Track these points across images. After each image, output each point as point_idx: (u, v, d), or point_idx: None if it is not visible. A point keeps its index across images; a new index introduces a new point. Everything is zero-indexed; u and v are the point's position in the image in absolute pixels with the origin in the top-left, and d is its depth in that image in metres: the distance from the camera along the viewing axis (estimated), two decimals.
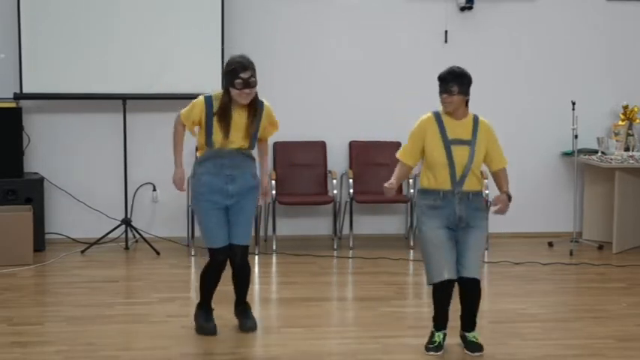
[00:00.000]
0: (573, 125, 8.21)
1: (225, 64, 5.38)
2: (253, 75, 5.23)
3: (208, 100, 5.37)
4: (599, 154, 8.46)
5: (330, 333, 5.75)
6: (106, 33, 8.08)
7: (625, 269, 7.52)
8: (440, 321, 5.35)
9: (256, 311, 6.00)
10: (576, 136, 8.23)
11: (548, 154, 8.86)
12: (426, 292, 6.87)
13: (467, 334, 5.37)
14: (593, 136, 8.61)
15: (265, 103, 5.47)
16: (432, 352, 5.30)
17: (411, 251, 8.14)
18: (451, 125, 5.22)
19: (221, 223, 5.48)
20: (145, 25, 8.13)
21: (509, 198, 5.35)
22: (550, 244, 8.42)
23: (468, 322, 5.36)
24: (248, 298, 5.80)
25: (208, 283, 5.66)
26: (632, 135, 8.64)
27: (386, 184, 5.33)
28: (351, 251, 8.13)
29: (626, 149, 8.56)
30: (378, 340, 5.53)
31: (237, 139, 5.37)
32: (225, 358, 5.23)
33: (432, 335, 5.35)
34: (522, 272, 7.43)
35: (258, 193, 5.60)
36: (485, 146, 5.26)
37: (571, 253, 8.04)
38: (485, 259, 7.82)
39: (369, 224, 8.72)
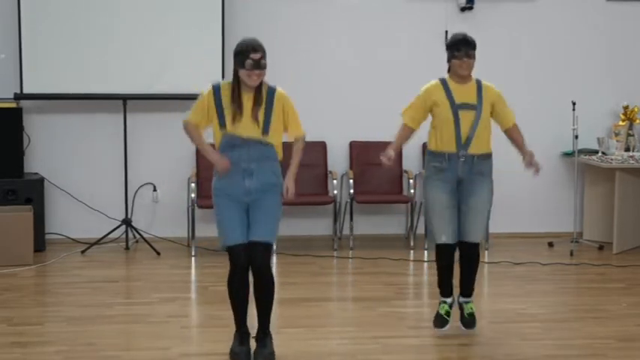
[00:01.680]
0: (574, 125, 8.22)
1: (235, 46, 5.13)
2: (264, 57, 5.05)
3: (216, 86, 5.15)
4: (600, 154, 8.46)
5: (330, 333, 5.75)
6: (106, 33, 8.09)
7: (625, 269, 7.52)
8: (443, 286, 5.65)
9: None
10: (576, 137, 8.23)
11: (549, 154, 8.85)
12: (426, 292, 6.90)
13: (464, 304, 5.66)
14: (593, 136, 8.61)
15: (279, 89, 5.19)
16: (437, 329, 5.62)
17: (411, 251, 8.14)
18: (458, 90, 5.47)
19: (237, 218, 5.07)
20: (145, 25, 8.14)
21: (533, 155, 5.61)
22: (550, 245, 8.43)
23: (466, 286, 5.65)
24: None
25: (232, 295, 5.16)
26: (633, 135, 8.65)
27: (383, 157, 5.55)
28: (351, 251, 8.13)
29: (627, 149, 8.56)
30: (378, 341, 5.53)
31: (249, 125, 5.06)
32: (225, 358, 5.22)
33: (439, 306, 5.66)
34: (522, 272, 7.43)
35: (280, 192, 5.17)
36: (491, 106, 5.50)
37: (571, 254, 8.04)
38: (486, 259, 7.82)
39: (369, 224, 8.72)
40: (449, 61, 5.50)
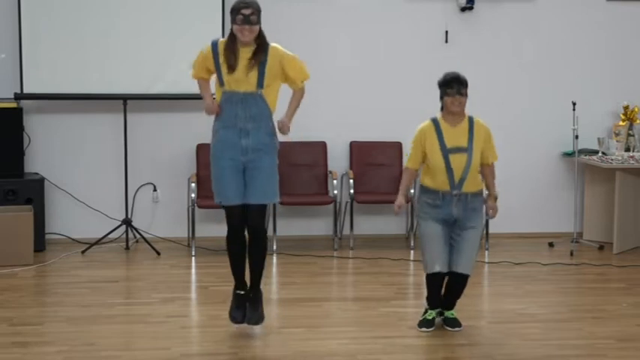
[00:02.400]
0: (574, 125, 8.22)
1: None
2: (254, 13, 5.28)
3: (214, 43, 5.45)
4: (600, 154, 8.46)
5: (331, 333, 5.75)
6: (106, 33, 8.09)
7: (625, 270, 7.52)
8: (432, 302, 5.80)
9: None
10: (577, 137, 8.23)
11: (549, 154, 8.86)
12: (426, 292, 6.89)
13: (445, 311, 5.82)
14: (593, 136, 8.61)
15: (273, 44, 5.42)
16: (423, 329, 5.74)
17: (412, 252, 8.14)
18: (449, 133, 5.57)
19: (233, 178, 5.37)
20: (145, 25, 8.14)
21: (495, 199, 5.77)
22: (550, 245, 8.42)
23: (449, 304, 5.81)
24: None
25: (230, 255, 5.55)
26: (633, 135, 8.65)
27: (396, 207, 5.75)
28: (351, 251, 8.13)
29: (627, 149, 8.56)
30: (378, 341, 5.54)
31: (245, 78, 5.31)
32: (225, 358, 5.22)
33: (425, 312, 5.82)
34: (522, 272, 7.43)
35: (276, 152, 5.47)
36: (482, 148, 5.60)
37: (571, 254, 8.04)
38: (486, 260, 7.82)
39: (369, 224, 8.72)
40: (441, 98, 5.59)
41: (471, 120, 5.62)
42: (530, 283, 7.10)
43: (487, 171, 5.74)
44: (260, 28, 5.37)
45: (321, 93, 8.60)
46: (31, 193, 7.91)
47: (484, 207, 5.75)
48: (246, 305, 5.61)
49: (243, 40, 5.30)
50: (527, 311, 6.25)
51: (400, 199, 5.74)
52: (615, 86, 8.81)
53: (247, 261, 5.60)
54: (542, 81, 8.82)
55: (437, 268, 5.59)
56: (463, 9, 8.65)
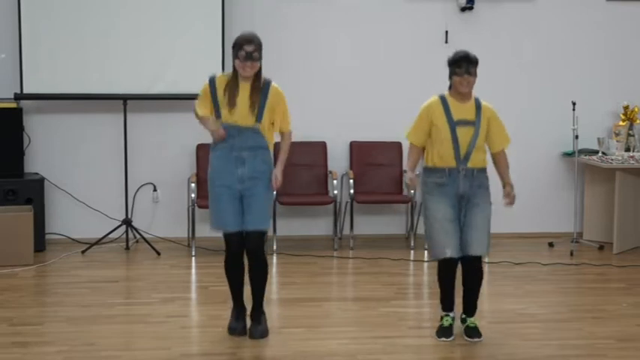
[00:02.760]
0: (574, 125, 8.22)
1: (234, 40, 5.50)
2: (257, 50, 5.36)
3: (211, 79, 5.50)
4: (600, 154, 8.46)
5: (331, 333, 5.75)
6: (106, 33, 8.09)
7: (625, 270, 7.52)
8: (446, 301, 5.60)
9: None
10: (577, 137, 8.23)
11: (549, 154, 8.86)
12: (427, 292, 6.89)
13: (467, 319, 5.61)
14: (593, 136, 8.61)
15: (274, 84, 5.50)
16: (443, 339, 5.54)
17: (412, 252, 8.14)
18: (456, 107, 5.48)
19: (231, 205, 5.43)
20: (145, 25, 8.14)
21: (512, 187, 5.62)
22: (550, 245, 8.42)
23: (470, 305, 5.60)
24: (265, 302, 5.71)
25: (229, 278, 5.61)
26: (633, 135, 8.65)
27: (409, 180, 5.65)
28: (351, 251, 8.13)
29: (627, 149, 8.56)
30: (378, 341, 5.53)
31: (244, 114, 5.39)
32: (224, 358, 5.22)
33: (441, 319, 5.61)
34: (523, 272, 7.43)
35: (272, 179, 5.51)
36: (487, 127, 5.50)
37: (571, 254, 8.04)
38: (486, 260, 7.80)
39: (369, 224, 8.72)
40: (450, 77, 5.50)
41: (477, 100, 5.54)
42: (530, 283, 7.09)
43: (498, 159, 5.62)
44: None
45: (321, 93, 8.62)
46: (31, 193, 7.91)
47: (489, 184, 5.59)
48: (247, 321, 5.65)
49: (245, 75, 5.39)
50: (527, 311, 6.24)
51: (411, 176, 5.59)
52: (615, 86, 8.81)
53: (248, 281, 5.61)
54: (542, 81, 8.82)
55: (448, 253, 5.39)
56: (463, 9, 8.65)
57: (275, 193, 5.79)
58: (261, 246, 5.52)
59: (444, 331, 5.56)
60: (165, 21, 8.16)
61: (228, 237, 5.50)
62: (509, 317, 6.10)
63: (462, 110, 5.47)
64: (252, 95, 5.40)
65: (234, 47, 5.41)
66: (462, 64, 5.44)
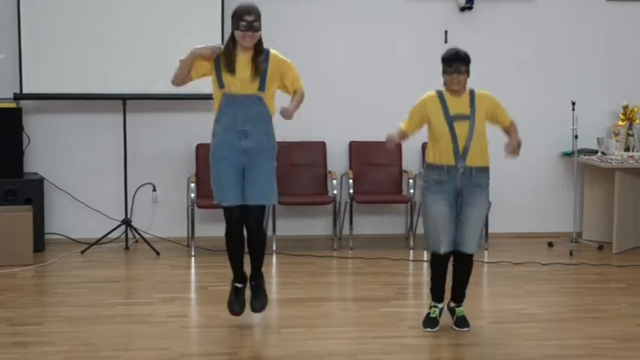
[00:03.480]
0: (573, 125, 8.22)
1: (233, 9, 5.53)
2: (257, 20, 5.40)
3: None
4: (599, 154, 8.46)
5: (330, 333, 5.75)
6: (106, 33, 8.08)
7: (625, 269, 7.52)
8: (436, 292, 5.77)
9: None
10: (576, 137, 8.24)
11: (548, 154, 8.86)
12: (426, 292, 6.87)
13: (455, 308, 5.77)
14: (593, 136, 8.61)
15: (272, 50, 5.54)
16: (428, 329, 5.70)
17: (411, 251, 8.14)
18: (452, 102, 5.58)
19: (232, 179, 5.46)
20: (144, 25, 8.13)
21: (519, 144, 5.70)
22: (550, 245, 8.42)
23: (458, 293, 5.78)
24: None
25: (229, 252, 5.66)
26: (632, 135, 8.65)
27: (389, 141, 5.77)
28: (350, 251, 8.13)
29: (626, 149, 8.57)
30: (378, 341, 5.53)
31: (245, 81, 5.42)
32: (224, 358, 5.22)
33: (429, 309, 5.78)
34: (522, 272, 7.43)
35: (275, 155, 5.56)
36: (486, 113, 5.60)
37: (571, 254, 8.04)
38: (485, 259, 7.83)
39: (368, 224, 8.72)
40: (443, 75, 5.62)
41: (472, 92, 5.62)
42: (530, 283, 7.10)
43: (510, 130, 5.74)
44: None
45: (320, 93, 8.60)
46: (31, 193, 7.91)
47: (489, 184, 5.69)
48: (246, 296, 5.74)
49: (246, 45, 5.42)
50: (526, 311, 6.25)
51: (393, 134, 5.72)
52: (615, 86, 8.82)
53: (247, 253, 5.71)
54: (542, 81, 8.82)
55: (442, 250, 5.56)
56: (462, 9, 8.65)
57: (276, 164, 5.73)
58: (260, 220, 5.57)
59: (430, 322, 5.71)
60: (164, 21, 8.15)
61: (228, 210, 5.52)
62: (509, 317, 6.11)
63: (458, 104, 5.56)
64: (253, 63, 5.42)
65: (233, 17, 5.45)
66: (452, 63, 5.55)
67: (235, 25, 5.43)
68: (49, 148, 8.36)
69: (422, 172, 5.76)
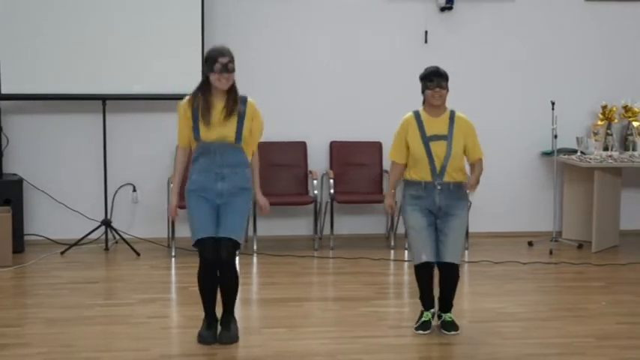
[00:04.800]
0: (553, 125, 8.26)
1: (205, 54, 5.52)
2: (231, 61, 5.37)
3: (189, 98, 5.45)
4: (579, 153, 8.50)
5: (311, 333, 5.75)
6: (85, 33, 8.05)
7: (604, 268, 7.56)
8: (425, 300, 5.77)
9: (237, 312, 5.97)
10: (556, 136, 8.28)
11: (528, 153, 8.89)
12: (407, 292, 6.91)
13: (443, 314, 5.78)
14: (572, 135, 8.64)
15: (249, 99, 5.48)
16: (420, 331, 5.70)
17: (392, 251, 8.15)
18: (429, 123, 5.66)
19: (207, 213, 5.39)
20: (124, 25, 8.11)
21: (478, 182, 5.78)
22: (530, 244, 8.45)
23: (445, 304, 5.77)
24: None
25: (202, 287, 5.49)
26: (611, 135, 8.70)
27: (388, 208, 5.89)
28: (331, 251, 8.13)
29: (605, 149, 8.61)
30: (359, 340, 5.54)
31: (221, 128, 5.35)
32: (205, 359, 5.21)
33: (421, 315, 5.78)
34: (502, 272, 7.45)
35: (250, 198, 5.52)
36: (464, 139, 5.67)
37: (551, 253, 8.08)
38: (466, 259, 7.84)
39: (349, 224, 8.73)
40: (423, 92, 5.69)
41: (452, 112, 5.71)
42: (510, 282, 7.12)
43: (474, 166, 5.81)
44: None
45: (301, 93, 8.62)
46: (10, 194, 7.87)
47: (467, 197, 5.77)
48: (218, 327, 5.58)
49: (221, 87, 5.35)
50: (507, 310, 6.27)
51: (390, 200, 5.85)
52: (594, 86, 8.86)
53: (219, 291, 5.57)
54: (522, 81, 8.85)
55: (424, 258, 5.61)
56: (442, 9, 8.66)
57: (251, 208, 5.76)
58: (233, 256, 5.46)
59: (423, 325, 5.72)
60: (144, 22, 8.13)
61: (203, 243, 5.39)
62: (489, 316, 6.12)
63: (435, 125, 5.65)
64: (229, 110, 5.36)
65: (207, 61, 5.38)
66: (434, 79, 5.64)
67: (210, 68, 5.35)
68: (28, 148, 8.32)
69: (400, 188, 5.79)
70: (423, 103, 5.72)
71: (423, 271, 5.69)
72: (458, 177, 5.65)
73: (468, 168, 5.81)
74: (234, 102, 5.38)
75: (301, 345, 5.46)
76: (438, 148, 5.60)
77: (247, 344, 5.52)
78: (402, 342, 5.53)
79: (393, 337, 5.62)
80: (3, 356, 5.21)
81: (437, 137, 5.61)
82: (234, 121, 5.37)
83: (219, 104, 5.37)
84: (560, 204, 8.74)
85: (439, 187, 5.61)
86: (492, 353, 5.33)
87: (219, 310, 5.57)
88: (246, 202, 5.49)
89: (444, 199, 5.62)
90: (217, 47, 5.45)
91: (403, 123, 5.73)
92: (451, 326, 5.70)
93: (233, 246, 5.42)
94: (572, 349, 5.40)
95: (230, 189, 5.40)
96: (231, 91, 5.40)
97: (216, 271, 5.44)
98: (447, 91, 5.66)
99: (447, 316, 5.75)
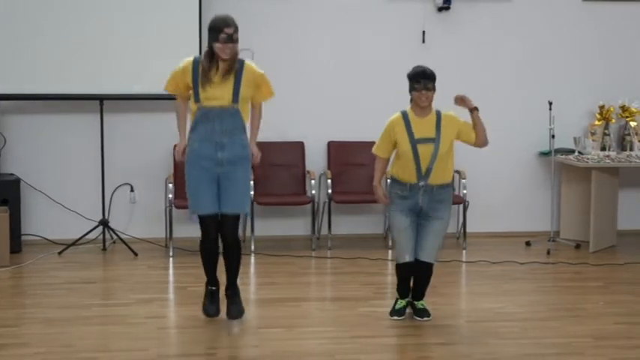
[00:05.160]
0: (550, 125, 8.26)
1: (210, 22, 5.64)
2: (236, 32, 5.52)
3: (196, 60, 5.60)
4: (576, 153, 8.50)
5: (309, 333, 5.75)
6: (82, 33, 8.04)
7: (602, 268, 7.56)
8: (402, 291, 6.02)
9: None
10: (553, 136, 8.28)
11: (526, 153, 8.89)
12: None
13: (415, 302, 6.01)
14: (569, 135, 8.64)
15: (247, 61, 5.64)
16: (395, 317, 5.96)
17: (389, 251, 8.14)
18: (417, 124, 5.76)
19: (208, 189, 5.55)
20: (122, 25, 8.10)
21: (476, 108, 5.86)
22: (527, 244, 8.45)
23: (418, 293, 6.01)
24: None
25: (204, 259, 5.74)
26: (609, 135, 8.70)
27: (383, 199, 5.95)
28: (329, 251, 8.13)
29: (603, 149, 8.62)
30: (357, 340, 5.54)
31: (221, 94, 5.51)
32: (203, 358, 5.21)
33: (396, 302, 6.03)
34: (500, 272, 7.45)
35: (250, 164, 5.67)
36: (452, 135, 5.78)
37: (548, 253, 8.08)
38: (463, 259, 7.85)
39: (347, 224, 8.73)
40: (410, 92, 5.77)
41: (438, 113, 5.79)
42: (508, 282, 7.12)
43: (476, 127, 5.87)
44: None
45: (299, 93, 8.62)
46: (7, 194, 7.86)
47: (451, 199, 5.92)
48: (222, 301, 5.79)
49: (225, 57, 5.50)
50: (504, 310, 6.27)
51: (380, 190, 5.93)
52: (591, 86, 8.86)
53: (223, 261, 5.79)
54: (519, 81, 8.85)
55: (407, 259, 5.82)
56: (440, 9, 8.66)
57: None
58: (236, 229, 5.66)
59: (397, 312, 5.97)
60: (142, 22, 8.12)
61: (204, 220, 5.61)
62: (487, 316, 6.12)
63: (422, 127, 5.74)
64: (228, 76, 5.51)
65: (211, 30, 5.52)
66: (421, 80, 5.72)
67: (214, 37, 5.50)
68: (26, 148, 8.31)
69: (386, 186, 5.96)
70: (411, 101, 5.81)
71: (403, 270, 5.92)
72: (442, 179, 5.76)
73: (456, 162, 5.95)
74: (233, 70, 5.52)
75: (299, 345, 5.46)
76: (425, 151, 5.70)
77: (245, 344, 5.53)
78: (400, 342, 5.54)
79: (390, 337, 5.63)
80: (1, 356, 5.21)
81: (425, 140, 5.71)
82: (230, 82, 5.52)
83: (219, 71, 5.52)
84: (558, 204, 8.74)
85: (423, 189, 5.73)
86: (490, 353, 5.33)
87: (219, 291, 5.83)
88: (246, 170, 5.64)
89: (427, 201, 5.75)
90: (221, 16, 5.58)
91: (390, 124, 5.85)
92: (423, 312, 5.94)
93: (235, 220, 5.62)
94: (570, 349, 5.40)
95: (230, 158, 5.55)
96: (232, 60, 5.53)
97: (217, 243, 5.65)
98: (434, 91, 5.74)
99: (419, 304, 5.98)
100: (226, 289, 5.80)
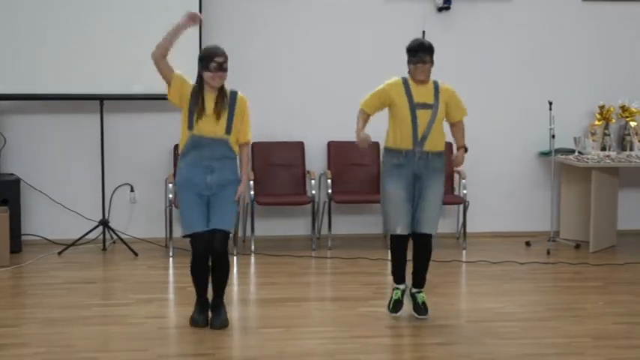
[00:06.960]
0: (550, 125, 8.26)
1: (200, 51, 5.83)
2: (226, 61, 5.63)
3: (195, 87, 5.68)
4: (576, 153, 8.51)
5: (309, 333, 5.75)
6: (82, 33, 8.04)
7: (601, 268, 7.56)
8: (397, 274, 6.04)
9: (235, 312, 6.01)
10: (553, 136, 8.28)
11: (526, 154, 8.90)
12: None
13: (416, 294, 5.97)
14: (570, 135, 8.64)
15: (240, 93, 5.74)
16: (393, 313, 5.96)
17: (389, 251, 8.13)
18: (417, 90, 5.82)
19: (198, 207, 5.63)
20: (122, 25, 8.10)
21: (466, 150, 5.99)
22: (527, 244, 8.46)
23: (419, 277, 5.99)
24: (226, 298, 5.85)
25: (195, 277, 5.76)
26: (609, 135, 8.70)
27: (361, 143, 5.90)
28: (329, 251, 8.13)
29: (603, 149, 8.62)
30: (357, 340, 5.54)
31: (212, 125, 5.60)
32: (203, 359, 5.21)
33: (392, 292, 6.03)
34: (500, 271, 7.45)
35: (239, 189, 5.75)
36: (446, 103, 5.83)
37: (548, 253, 8.08)
38: (463, 259, 7.85)
39: (347, 224, 8.73)
40: (408, 64, 5.86)
41: (435, 82, 5.86)
42: (508, 282, 7.12)
43: (456, 128, 5.98)
44: None
45: (299, 93, 8.62)
46: (7, 194, 7.86)
47: (444, 169, 5.93)
48: (209, 312, 5.81)
49: (215, 85, 5.62)
50: (504, 310, 6.27)
51: (362, 135, 5.89)
52: (591, 86, 8.86)
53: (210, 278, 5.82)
54: (519, 81, 8.85)
55: (398, 231, 5.82)
56: (440, 9, 8.67)
57: (245, 197, 6.07)
58: (225, 246, 5.70)
59: (395, 306, 5.96)
60: (142, 22, 8.11)
61: (195, 237, 5.64)
62: (487, 316, 6.12)
63: (422, 93, 5.80)
64: (219, 106, 5.62)
65: (202, 59, 5.65)
66: (417, 53, 5.80)
67: (205, 66, 5.62)
68: (26, 148, 8.31)
69: (381, 157, 6.01)
70: (409, 73, 5.88)
71: (397, 243, 5.93)
72: (437, 147, 5.80)
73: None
74: (223, 101, 5.63)
75: (299, 345, 5.46)
76: (423, 116, 5.75)
77: (245, 344, 5.53)
78: (400, 342, 5.54)
79: (390, 337, 5.63)
80: (1, 356, 5.21)
81: (424, 106, 5.76)
82: (224, 117, 5.62)
83: (210, 102, 5.61)
84: (558, 204, 8.74)
85: (419, 155, 5.75)
86: (490, 353, 5.33)
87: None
88: (233, 193, 5.70)
89: (423, 168, 5.78)
90: (212, 46, 5.74)
91: (390, 83, 5.93)
92: (423, 310, 5.91)
93: (225, 236, 5.67)
94: (569, 349, 5.40)
95: (219, 181, 5.65)
96: (221, 89, 5.65)
97: (208, 262, 5.69)
98: (432, 64, 5.80)
99: (420, 297, 5.95)
100: (212, 303, 5.81)
